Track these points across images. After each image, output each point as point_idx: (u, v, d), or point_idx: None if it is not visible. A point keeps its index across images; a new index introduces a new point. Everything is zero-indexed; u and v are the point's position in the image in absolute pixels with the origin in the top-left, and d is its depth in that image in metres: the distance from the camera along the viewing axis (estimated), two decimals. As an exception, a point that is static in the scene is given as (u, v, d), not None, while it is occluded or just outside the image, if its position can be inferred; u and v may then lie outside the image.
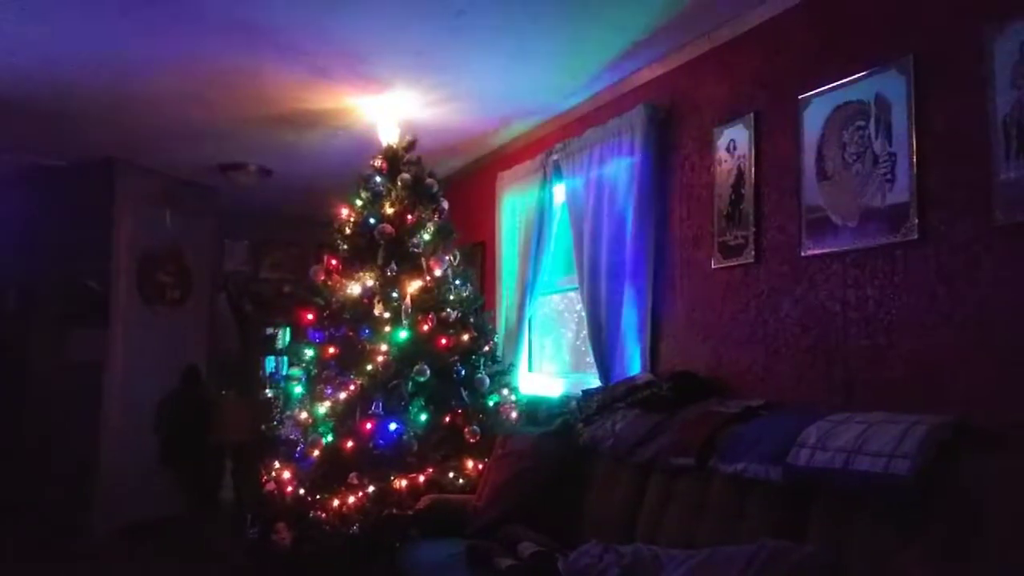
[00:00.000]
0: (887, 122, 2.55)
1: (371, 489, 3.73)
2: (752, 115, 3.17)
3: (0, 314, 5.92)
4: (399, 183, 4.30)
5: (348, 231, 4.32)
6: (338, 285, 4.24)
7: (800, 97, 2.91)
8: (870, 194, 2.60)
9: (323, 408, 4.01)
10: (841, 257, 2.72)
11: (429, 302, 4.14)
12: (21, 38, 3.58)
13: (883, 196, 2.55)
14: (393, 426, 3.87)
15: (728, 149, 3.29)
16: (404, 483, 3.75)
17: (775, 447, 2.37)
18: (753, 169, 3.14)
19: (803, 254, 2.87)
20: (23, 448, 5.64)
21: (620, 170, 3.79)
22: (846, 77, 2.71)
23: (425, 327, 4.06)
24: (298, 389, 4.23)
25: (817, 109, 2.83)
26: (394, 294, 4.08)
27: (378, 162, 4.39)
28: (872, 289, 2.59)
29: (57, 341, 5.66)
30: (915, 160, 2.45)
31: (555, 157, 4.41)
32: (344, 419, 3.95)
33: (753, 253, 3.12)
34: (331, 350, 4.12)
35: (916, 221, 2.43)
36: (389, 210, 4.25)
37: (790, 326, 2.93)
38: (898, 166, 2.50)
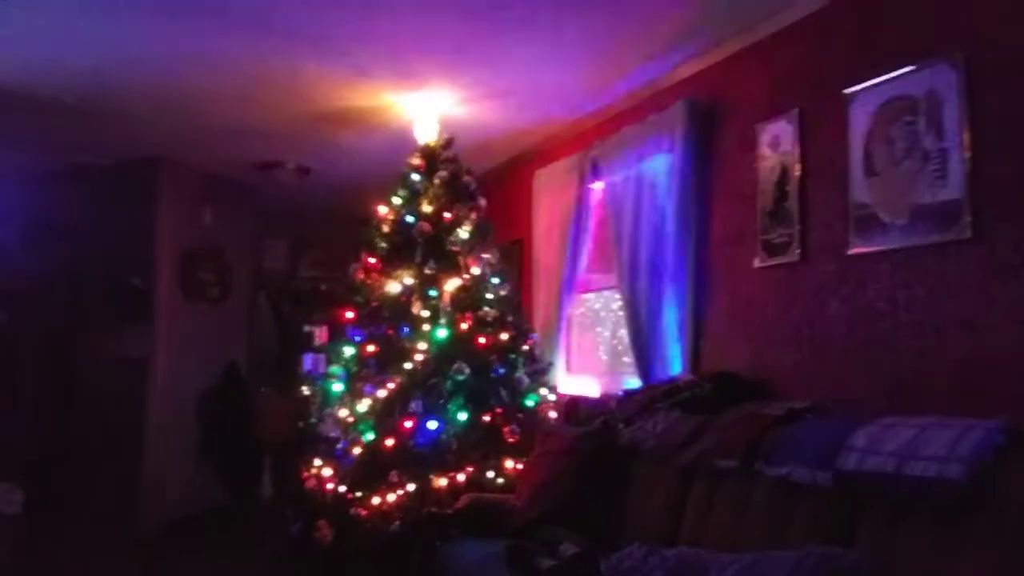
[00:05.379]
0: (937, 117, 2.48)
1: (411, 487, 3.75)
2: (796, 111, 3.11)
3: (51, 310, 6.03)
4: (436, 181, 4.30)
5: (386, 229, 4.34)
6: (377, 283, 4.25)
7: (846, 92, 2.84)
8: (920, 191, 2.53)
9: (363, 406, 4.03)
10: (890, 256, 2.65)
11: (467, 300, 4.15)
12: (72, 39, 3.65)
13: (934, 193, 2.48)
14: (432, 424, 3.87)
15: (771, 146, 3.23)
16: (444, 482, 3.75)
17: (822, 450, 2.32)
18: (798, 165, 3.09)
19: (850, 252, 2.81)
20: (72, 443, 5.75)
21: (659, 167, 3.75)
22: (894, 71, 2.65)
23: (463, 325, 4.06)
24: (337, 387, 4.26)
25: (864, 104, 2.77)
26: (432, 292, 4.09)
27: (416, 160, 4.39)
28: (922, 289, 2.53)
29: (104, 338, 5.76)
30: (968, 156, 2.38)
31: (593, 154, 4.38)
32: (384, 417, 3.96)
33: (798, 251, 3.06)
34: (370, 348, 4.14)
35: (969, 219, 2.36)
36: (427, 208, 4.25)
37: (836, 327, 2.87)
38: (950, 162, 2.44)
